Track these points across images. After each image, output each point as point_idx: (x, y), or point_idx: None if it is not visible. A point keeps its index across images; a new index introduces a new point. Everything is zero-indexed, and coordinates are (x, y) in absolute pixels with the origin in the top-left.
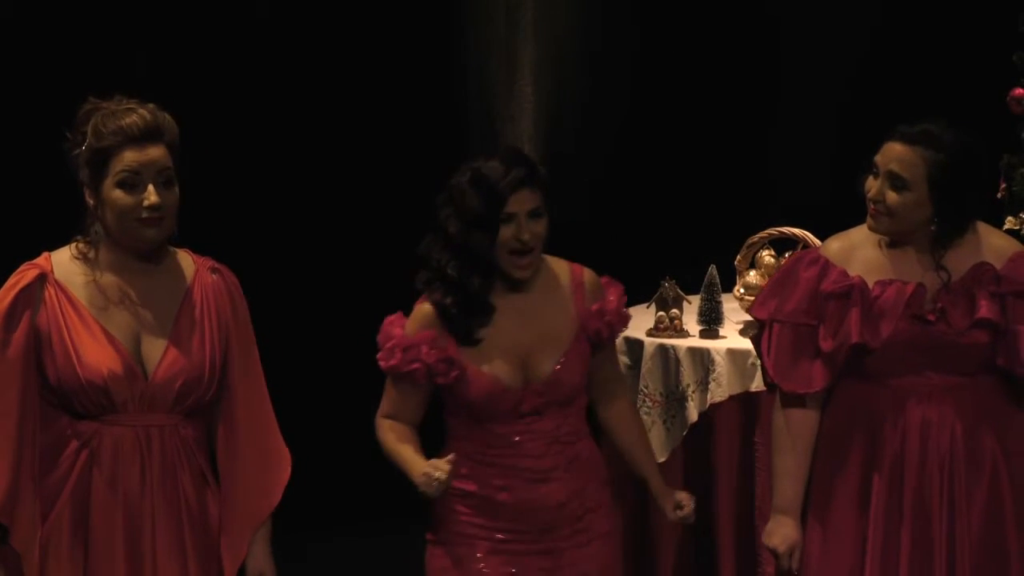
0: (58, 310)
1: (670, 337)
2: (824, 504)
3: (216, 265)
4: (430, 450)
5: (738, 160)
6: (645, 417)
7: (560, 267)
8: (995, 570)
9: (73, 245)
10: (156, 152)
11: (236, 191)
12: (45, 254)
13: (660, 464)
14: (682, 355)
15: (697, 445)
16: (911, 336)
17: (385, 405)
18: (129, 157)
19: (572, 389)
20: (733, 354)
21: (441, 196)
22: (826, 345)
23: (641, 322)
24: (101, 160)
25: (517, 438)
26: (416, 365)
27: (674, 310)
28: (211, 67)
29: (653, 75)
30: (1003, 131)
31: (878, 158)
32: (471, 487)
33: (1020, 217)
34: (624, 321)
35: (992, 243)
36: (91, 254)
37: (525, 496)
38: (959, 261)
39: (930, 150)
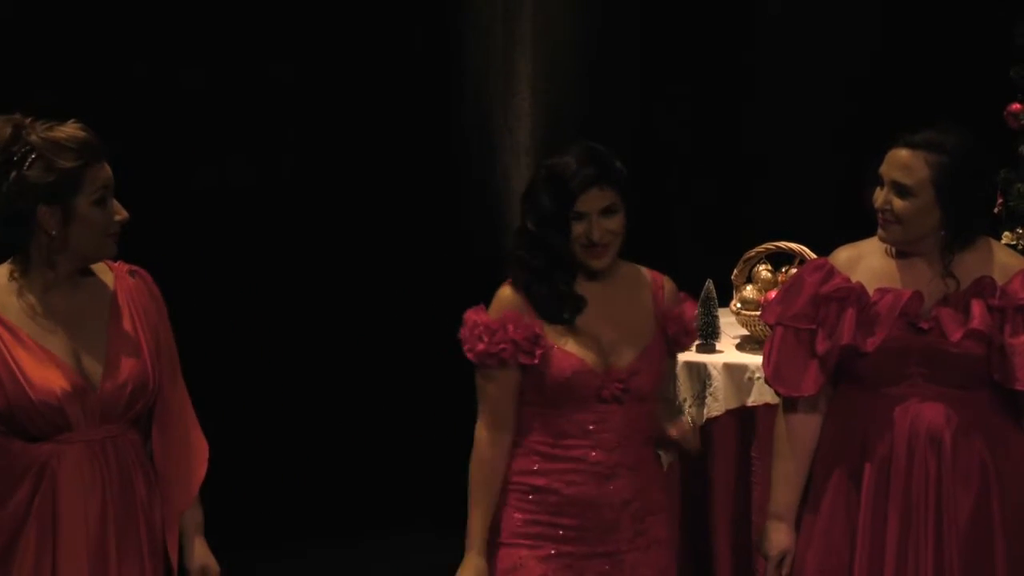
0: None
1: None
2: (818, 510)
3: (133, 268)
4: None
5: (736, 174)
6: None
7: (641, 270)
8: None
9: (6, 267)
10: (108, 168)
11: (237, 200)
12: None
13: None
14: (679, 369)
15: (694, 459)
16: (904, 343)
17: (484, 412)
18: (103, 174)
19: (649, 384)
20: (730, 368)
21: (523, 194)
22: (821, 347)
23: None
24: (71, 179)
25: (592, 427)
26: (504, 345)
27: None
28: (209, 79)
29: (651, 87)
30: (1001, 146)
31: (882, 168)
32: (539, 481)
33: (1017, 232)
34: (694, 337)
35: (1001, 260)
36: (27, 275)
37: (591, 491)
38: (965, 274)
39: (933, 154)
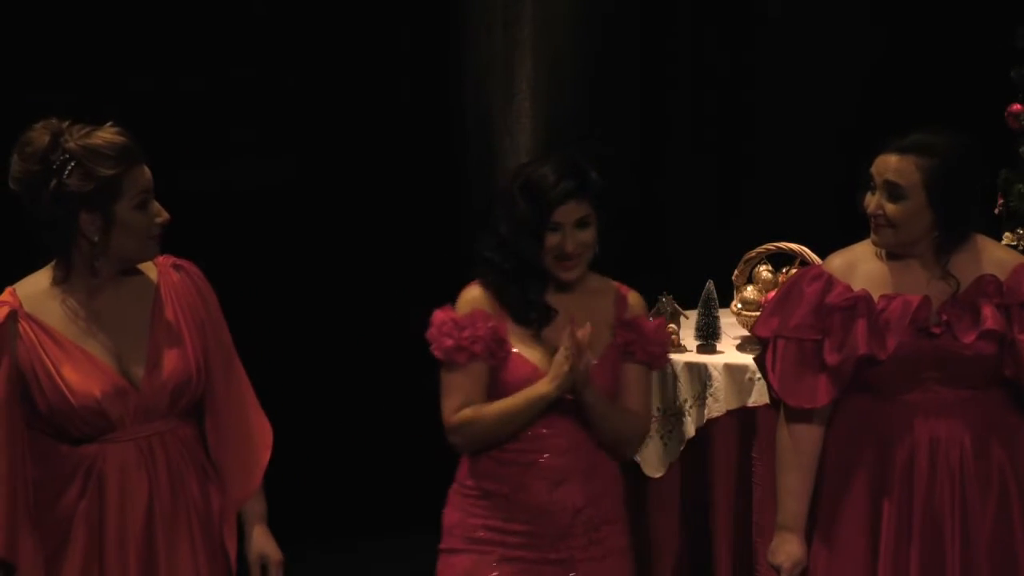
0: (35, 343)
1: None
2: (831, 522)
3: (177, 261)
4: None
5: (735, 176)
6: None
7: (608, 283)
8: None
9: (47, 272)
10: (148, 171)
11: (238, 203)
12: (8, 290)
13: (657, 480)
14: (679, 370)
15: (694, 460)
16: (917, 349)
17: (450, 403)
18: (144, 177)
19: (603, 392)
20: (730, 369)
21: (495, 196)
22: (832, 359)
23: None
24: (113, 184)
25: (544, 431)
26: (475, 339)
27: (671, 325)
28: (210, 88)
29: (651, 90)
30: (1001, 146)
31: (873, 172)
32: (491, 485)
33: (1018, 232)
34: (660, 350)
35: (995, 256)
36: (69, 279)
37: (542, 496)
38: (962, 273)
39: (924, 157)
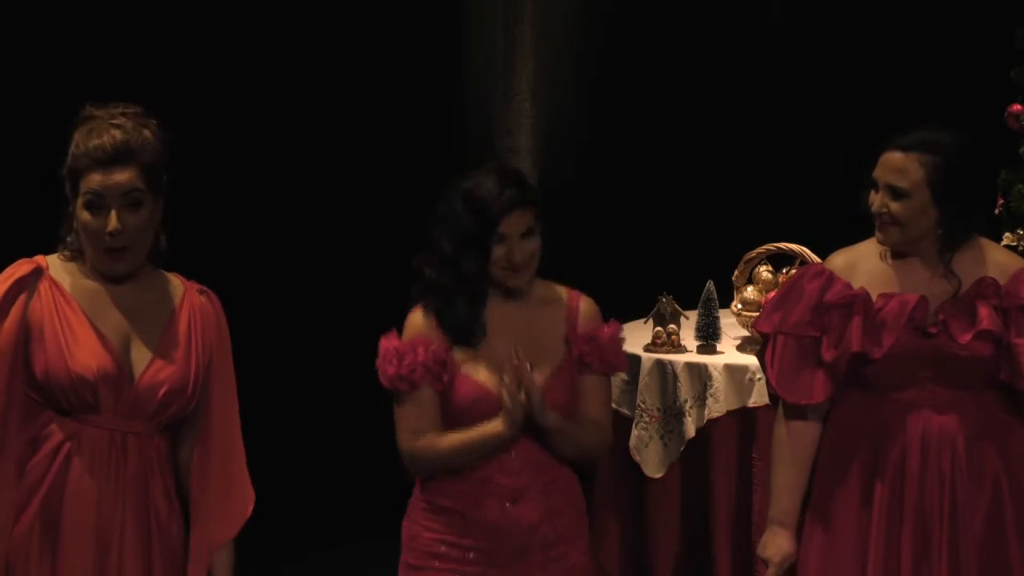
0: (52, 303)
1: (667, 353)
2: (825, 517)
3: (203, 288)
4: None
5: (736, 176)
6: (643, 432)
7: (559, 291)
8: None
9: (62, 253)
10: (123, 175)
11: (235, 204)
12: (39, 256)
13: (657, 480)
14: (680, 370)
15: (694, 461)
16: (913, 348)
17: (404, 430)
18: (95, 179)
19: (556, 409)
20: (730, 370)
21: (434, 212)
22: (828, 355)
23: (638, 337)
24: (74, 178)
25: (495, 453)
26: (415, 368)
27: (672, 325)
28: (211, 83)
29: (651, 89)
30: (1001, 147)
31: (876, 171)
32: (445, 502)
33: (1018, 233)
34: (617, 358)
35: (996, 259)
36: (79, 261)
37: (497, 514)
38: (963, 274)
39: (926, 154)
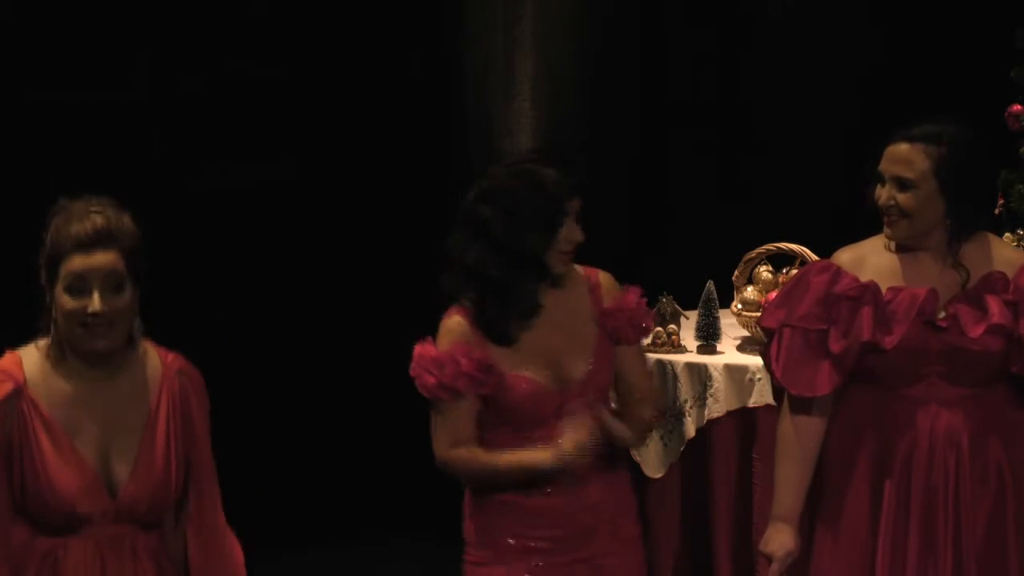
0: (29, 428)
1: (668, 353)
2: (834, 513)
3: (183, 367)
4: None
5: (736, 176)
6: None
7: (576, 271)
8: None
9: (38, 345)
10: (104, 258)
11: (237, 203)
12: (15, 356)
13: (657, 480)
14: (680, 371)
15: (694, 461)
16: (922, 342)
17: (442, 438)
18: (76, 263)
19: (606, 387)
20: (731, 370)
21: (478, 194)
22: (836, 347)
23: None
24: (54, 264)
25: (552, 442)
26: (458, 379)
27: (672, 326)
28: (210, 84)
29: (652, 90)
30: (1001, 147)
31: (882, 164)
32: (514, 497)
33: (1018, 233)
34: (647, 320)
35: (1003, 254)
36: (57, 355)
37: (565, 499)
38: (971, 269)
39: (932, 145)
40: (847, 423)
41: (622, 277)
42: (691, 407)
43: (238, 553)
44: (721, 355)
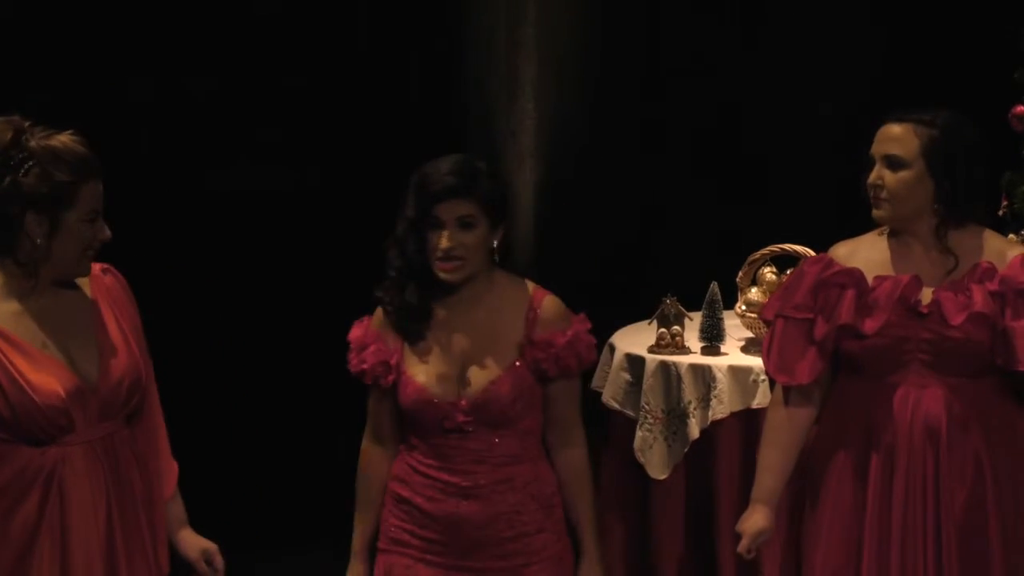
0: None
1: (671, 354)
2: (823, 502)
3: (105, 266)
4: None
5: (740, 177)
6: (647, 434)
7: (522, 289)
8: (978, 566)
9: None
10: (101, 186)
11: (242, 205)
12: None
13: (661, 481)
14: (683, 372)
15: (698, 462)
16: (904, 328)
17: (367, 423)
18: (98, 192)
19: (502, 412)
20: (735, 371)
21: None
22: (819, 332)
23: (643, 339)
24: (65, 192)
25: (445, 451)
26: (364, 366)
27: (675, 327)
28: (220, 85)
29: (655, 90)
30: (1005, 149)
31: (873, 147)
32: (406, 493)
33: (1022, 235)
34: (577, 359)
35: (995, 246)
36: (10, 281)
37: (451, 510)
38: (961, 259)
39: (922, 126)
40: (835, 412)
41: (626, 278)
42: (695, 408)
43: (166, 443)
44: (725, 356)
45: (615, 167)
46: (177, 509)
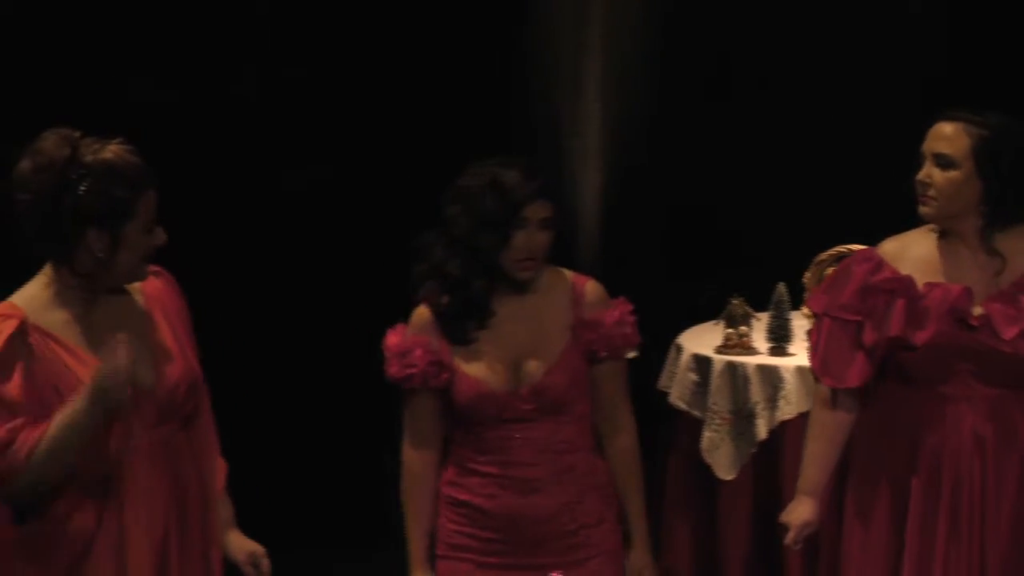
0: (48, 356)
1: (739, 355)
2: (863, 504)
3: (156, 268)
4: None
5: (807, 177)
6: (714, 434)
7: (565, 277)
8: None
9: (40, 283)
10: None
11: (296, 204)
12: (6, 303)
13: (728, 482)
14: (751, 373)
15: (766, 463)
16: (954, 340)
17: (405, 427)
18: (153, 201)
19: (561, 398)
20: (802, 372)
21: (448, 195)
22: (869, 339)
23: (710, 339)
24: (124, 206)
25: (506, 444)
26: (412, 369)
27: (743, 327)
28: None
29: (720, 90)
30: None
31: (924, 144)
32: (463, 495)
33: None
34: (625, 340)
35: None
36: (67, 291)
37: (513, 506)
38: (1011, 263)
39: (974, 127)
40: (878, 416)
41: (692, 279)
42: (762, 409)
43: (216, 440)
44: (792, 357)
45: (679, 167)
46: (225, 510)
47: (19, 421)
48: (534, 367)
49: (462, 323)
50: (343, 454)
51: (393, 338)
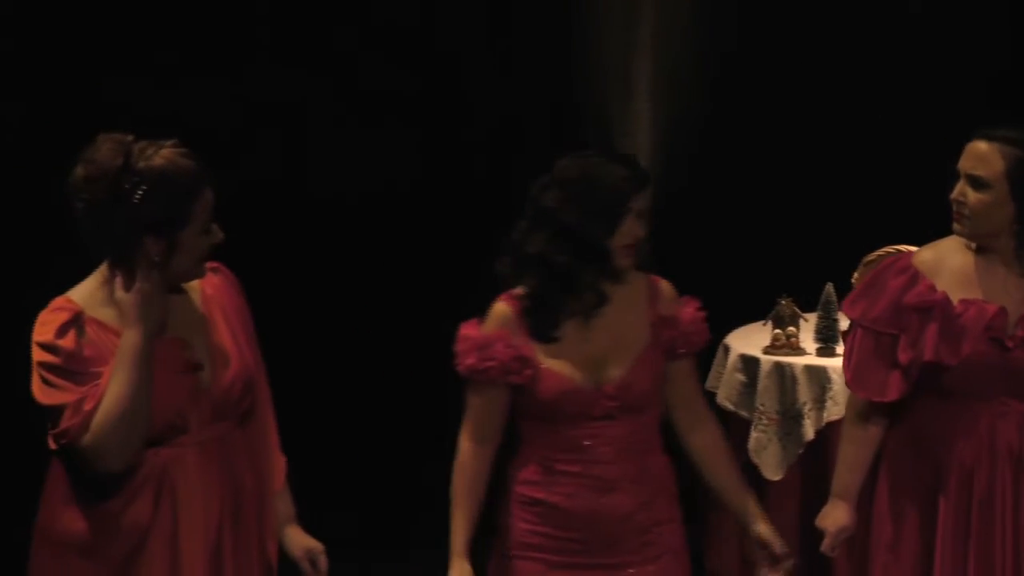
0: (108, 346)
1: (786, 355)
2: (894, 514)
3: (216, 264)
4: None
5: (856, 178)
6: (761, 435)
7: (638, 276)
8: None
9: (97, 280)
10: (212, 193)
11: (343, 206)
12: (62, 298)
13: (775, 482)
14: (799, 373)
15: (813, 463)
16: (988, 359)
17: (467, 420)
18: (209, 202)
19: (643, 396)
20: None
21: (545, 184)
22: (904, 357)
23: (757, 340)
24: (181, 212)
25: (587, 442)
26: (491, 363)
27: (791, 328)
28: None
29: (770, 92)
30: None
31: (960, 162)
32: (539, 494)
33: None
34: (701, 336)
35: None
36: (123, 288)
37: (591, 505)
38: None
39: (1010, 147)
40: (909, 428)
41: (741, 279)
42: (810, 409)
43: (276, 436)
44: (840, 358)
45: (729, 168)
46: (285, 505)
47: (86, 388)
48: (617, 364)
49: (556, 317)
50: (383, 454)
51: (471, 330)
